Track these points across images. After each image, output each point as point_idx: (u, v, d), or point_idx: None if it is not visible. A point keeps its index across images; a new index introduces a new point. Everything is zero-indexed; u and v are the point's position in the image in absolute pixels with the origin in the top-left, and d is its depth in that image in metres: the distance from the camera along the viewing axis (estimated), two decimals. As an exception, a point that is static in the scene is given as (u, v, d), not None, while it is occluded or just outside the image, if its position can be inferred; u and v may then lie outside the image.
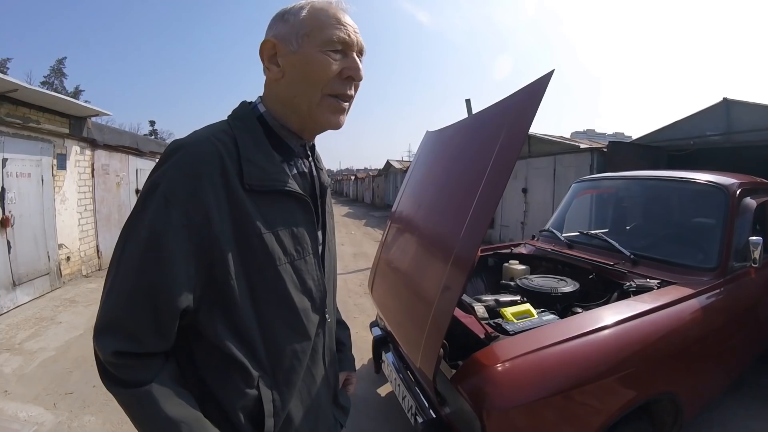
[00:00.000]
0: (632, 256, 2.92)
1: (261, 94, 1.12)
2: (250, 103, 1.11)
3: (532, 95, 1.84)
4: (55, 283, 8.35)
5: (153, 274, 0.86)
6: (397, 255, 2.74)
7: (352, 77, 1.04)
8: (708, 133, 8.31)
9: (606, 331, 2.00)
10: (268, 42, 1.05)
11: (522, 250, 3.80)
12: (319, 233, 1.15)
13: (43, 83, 44.20)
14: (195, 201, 0.89)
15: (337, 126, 1.09)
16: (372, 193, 37.56)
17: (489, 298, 2.48)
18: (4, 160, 6.99)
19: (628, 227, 3.86)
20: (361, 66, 1.06)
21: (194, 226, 0.88)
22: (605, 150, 9.74)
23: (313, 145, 1.19)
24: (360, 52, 1.08)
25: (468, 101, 12.66)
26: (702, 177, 3.21)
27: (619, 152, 9.23)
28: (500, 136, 1.93)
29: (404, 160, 36.52)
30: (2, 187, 6.91)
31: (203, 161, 0.91)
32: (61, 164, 8.62)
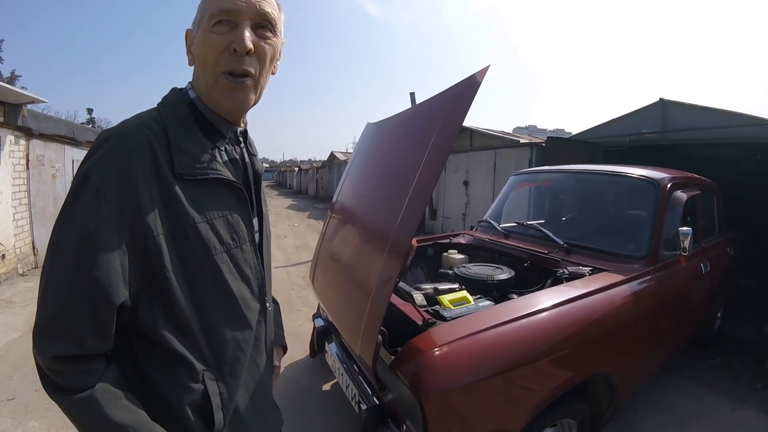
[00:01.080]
0: (565, 245, 3.06)
1: (191, 81, 1.09)
2: (181, 89, 1.08)
3: (467, 89, 1.91)
4: None
5: (88, 271, 0.83)
6: (337, 246, 2.78)
7: (236, 50, 0.97)
8: (644, 131, 8.65)
9: (540, 315, 2.10)
10: (188, 31, 1.06)
11: (461, 240, 3.91)
12: (255, 220, 1.14)
13: None
14: (127, 192, 0.87)
15: (235, 105, 1.05)
16: (316, 184, 37.32)
17: (428, 287, 2.54)
18: None
19: (563, 218, 4.03)
20: (246, 34, 0.97)
21: (126, 218, 0.86)
22: (544, 145, 10.03)
23: (245, 131, 1.17)
24: (264, 19, 1.01)
25: (412, 94, 12.82)
26: (635, 171, 3.40)
27: (557, 147, 9.51)
28: (435, 129, 1.99)
29: (348, 151, 36.37)
30: None
31: (133, 151, 0.89)
32: None
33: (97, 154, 0.90)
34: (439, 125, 1.98)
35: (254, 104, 1.08)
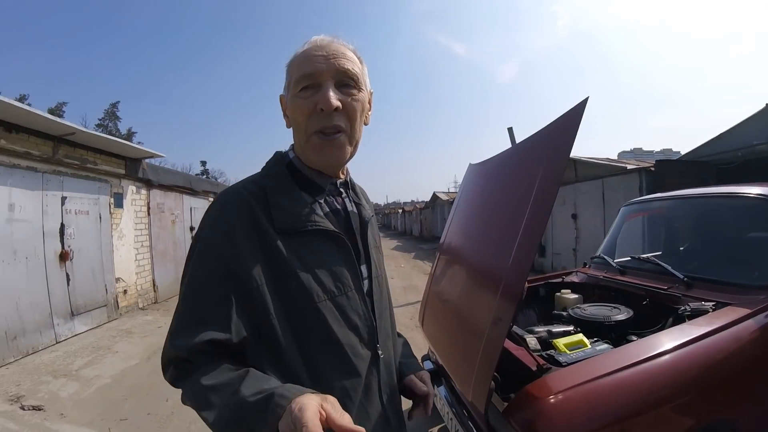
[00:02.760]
0: (685, 279, 2.81)
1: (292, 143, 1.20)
2: (283, 152, 1.19)
3: (568, 124, 1.87)
4: (112, 314, 8.81)
5: (195, 313, 0.96)
6: (446, 288, 2.76)
7: (323, 109, 1.03)
8: (755, 142, 8.04)
9: (660, 359, 1.94)
10: (280, 97, 1.17)
11: (574, 278, 3.74)
12: (363, 267, 1.16)
13: (98, 126, 47.22)
14: (228, 248, 0.97)
15: (329, 161, 1.11)
16: (420, 225, 37.69)
17: (541, 330, 2.46)
18: (64, 198, 7.55)
19: (681, 248, 3.73)
20: (331, 94, 1.03)
21: (230, 270, 0.96)
22: (653, 169, 9.50)
23: (346, 182, 1.22)
24: (345, 76, 1.07)
25: (510, 129, 12.57)
26: (753, 190, 3.10)
27: (666, 171, 9.01)
28: (540, 165, 1.95)
29: (450, 191, 36.53)
30: (62, 223, 7.48)
31: (234, 211, 1.01)
32: (118, 203, 9.20)
33: (205, 216, 1.05)
34: (544, 163, 1.94)
35: (351, 157, 1.14)
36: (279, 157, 1.18)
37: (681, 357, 1.98)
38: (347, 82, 1.07)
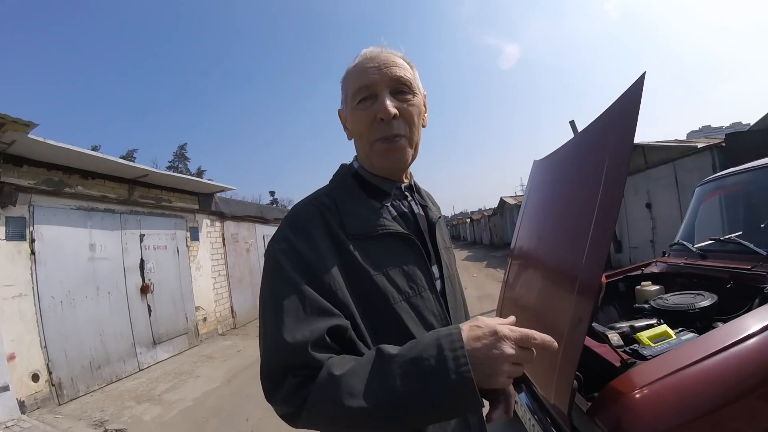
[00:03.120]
0: None
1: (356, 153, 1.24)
2: (348, 164, 1.24)
3: (629, 103, 1.81)
4: (193, 341, 9.25)
5: (306, 306, 0.93)
6: (521, 292, 2.71)
7: (382, 119, 1.07)
8: None
9: (748, 342, 1.80)
10: (339, 111, 1.22)
11: (653, 269, 3.57)
12: (434, 268, 1.17)
13: (169, 167, 49.80)
14: (305, 256, 0.99)
15: (395, 164, 1.14)
16: (489, 233, 37.32)
17: (623, 325, 2.37)
18: (142, 236, 8.09)
19: (762, 225, 3.53)
20: (387, 103, 1.06)
21: (307, 277, 0.97)
22: (724, 145, 9.05)
23: (410, 186, 1.26)
24: (399, 83, 1.10)
25: (572, 122, 12.19)
26: None
27: (738, 144, 8.56)
28: (606, 152, 1.90)
29: (517, 195, 36.04)
30: (141, 259, 8.00)
31: (308, 221, 1.04)
32: (194, 236, 9.69)
33: (278, 231, 1.06)
34: (609, 149, 1.88)
35: (413, 159, 1.18)
36: (344, 168, 1.23)
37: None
38: (401, 89, 1.11)
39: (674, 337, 2.11)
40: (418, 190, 1.30)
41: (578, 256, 1.87)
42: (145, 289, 7.82)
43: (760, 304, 2.23)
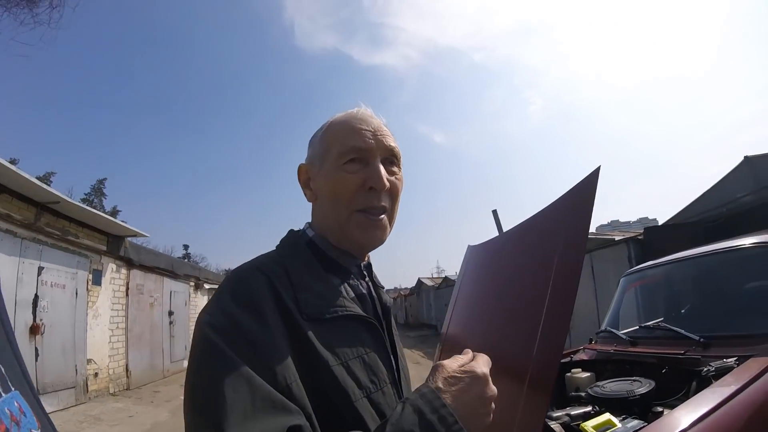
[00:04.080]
0: (701, 340, 2.73)
1: (308, 221, 1.09)
2: (298, 230, 1.08)
3: (583, 194, 1.75)
4: (81, 397, 8.40)
5: (258, 399, 0.72)
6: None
7: (373, 188, 0.97)
8: (738, 195, 8.19)
9: (702, 424, 1.78)
10: (302, 167, 1.07)
11: (582, 356, 3.56)
12: (392, 358, 1.02)
13: (83, 200, 46.67)
14: (254, 336, 0.79)
15: (372, 243, 1.03)
16: (405, 312, 37.77)
17: (560, 413, 2.28)
18: (41, 269, 7.39)
19: (682, 311, 3.69)
20: (383, 172, 0.98)
21: (257, 363, 0.76)
22: (640, 238, 9.58)
23: (369, 264, 1.11)
24: (391, 154, 1.03)
25: (495, 212, 12.62)
26: (747, 240, 3.17)
27: (656, 237, 9.09)
28: (559, 241, 1.82)
29: (434, 276, 36.79)
30: (36, 294, 7.27)
31: (256, 292, 0.84)
32: (97, 280, 9.03)
33: (216, 301, 0.84)
34: (562, 238, 1.81)
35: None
36: (296, 235, 1.07)
37: (722, 418, 1.85)
38: (392, 160, 1.04)
39: (619, 425, 2.02)
40: (372, 272, 1.16)
41: (529, 343, 1.75)
42: (35, 330, 7.06)
43: (698, 387, 2.31)
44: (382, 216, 1.01)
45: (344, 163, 0.98)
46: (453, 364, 0.81)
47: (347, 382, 0.85)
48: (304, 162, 1.09)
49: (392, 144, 1.02)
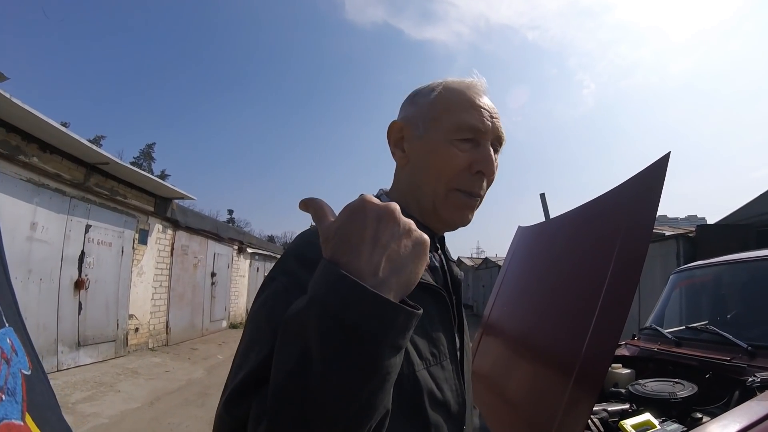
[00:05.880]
0: (749, 348, 2.58)
1: (382, 187, 1.04)
2: (377, 194, 1.01)
3: (651, 180, 1.71)
4: (120, 351, 8.62)
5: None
6: (495, 370, 2.50)
7: (482, 172, 0.92)
8: None
9: None
10: (396, 124, 0.99)
11: (624, 351, 3.44)
12: (456, 334, 0.98)
13: (133, 163, 47.63)
14: None
15: (461, 223, 0.98)
16: (443, 291, 38.22)
17: (597, 408, 2.22)
18: (88, 227, 7.55)
19: (728, 316, 3.46)
20: (495, 159, 0.94)
21: None
22: (691, 235, 9.28)
23: (443, 237, 1.06)
24: (499, 141, 0.97)
25: (542, 196, 12.37)
26: None
27: (706, 236, 8.78)
28: (621, 226, 1.77)
29: (474, 257, 36.63)
30: (82, 251, 7.42)
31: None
32: (143, 239, 9.22)
33: (282, 262, 0.83)
34: (625, 224, 1.76)
35: None
36: None
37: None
38: (497, 148, 0.98)
39: (658, 426, 1.98)
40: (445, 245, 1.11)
41: (579, 337, 1.71)
42: (79, 284, 7.26)
43: (741, 397, 2.20)
44: (478, 198, 0.96)
45: (458, 139, 0.92)
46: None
47: (410, 350, 0.81)
48: (397, 119, 1.01)
49: (502, 131, 0.97)
